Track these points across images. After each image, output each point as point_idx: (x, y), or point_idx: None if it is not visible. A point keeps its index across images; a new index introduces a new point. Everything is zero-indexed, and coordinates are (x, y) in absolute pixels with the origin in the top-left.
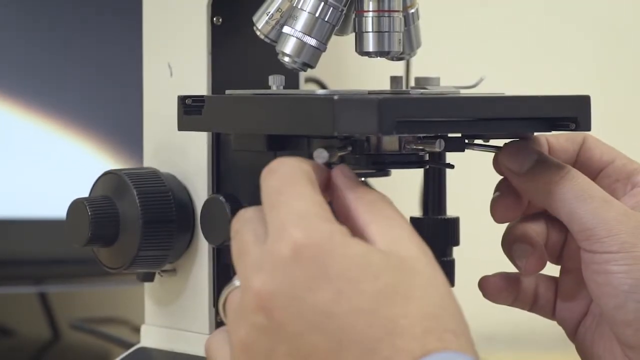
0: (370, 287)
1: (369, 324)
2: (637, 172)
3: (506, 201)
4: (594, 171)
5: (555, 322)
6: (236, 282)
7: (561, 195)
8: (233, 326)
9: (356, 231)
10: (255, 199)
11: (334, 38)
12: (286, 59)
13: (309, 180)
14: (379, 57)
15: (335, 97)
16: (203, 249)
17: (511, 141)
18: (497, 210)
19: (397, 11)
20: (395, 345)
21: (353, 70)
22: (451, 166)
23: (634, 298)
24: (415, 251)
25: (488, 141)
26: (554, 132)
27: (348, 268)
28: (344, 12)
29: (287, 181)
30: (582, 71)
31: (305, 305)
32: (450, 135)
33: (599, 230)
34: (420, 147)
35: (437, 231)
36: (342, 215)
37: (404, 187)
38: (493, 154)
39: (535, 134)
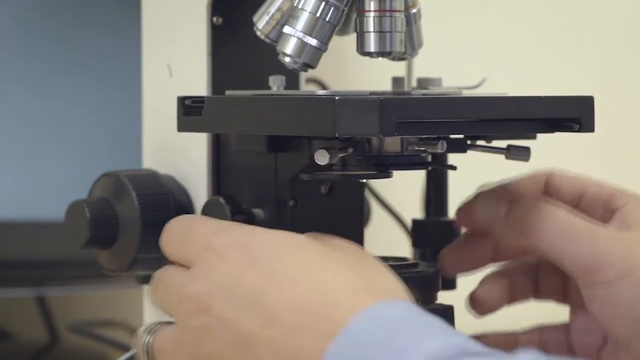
0: (298, 258)
1: (300, 290)
2: (613, 197)
3: (491, 291)
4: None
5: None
6: (151, 327)
7: (545, 234)
8: (175, 353)
9: None
10: (255, 201)
11: (335, 38)
12: (287, 59)
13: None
14: (380, 58)
15: (337, 98)
16: None
17: (478, 194)
18: (478, 302)
19: (399, 11)
20: (327, 301)
21: (354, 71)
22: (453, 167)
23: None
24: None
25: (490, 142)
26: (556, 133)
27: (273, 247)
28: (345, 12)
29: (189, 220)
30: (583, 72)
31: (238, 291)
32: (452, 136)
33: (593, 263)
34: (422, 148)
35: (439, 233)
36: None
37: (405, 188)
38: (495, 155)
39: (498, 185)
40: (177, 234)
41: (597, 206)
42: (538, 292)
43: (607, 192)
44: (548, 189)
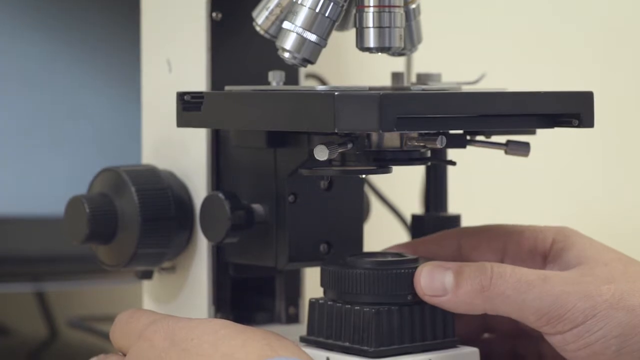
0: (212, 337)
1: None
2: (536, 241)
3: None
4: None
5: None
6: None
7: (500, 296)
8: None
9: None
10: (254, 196)
11: (334, 34)
12: (286, 54)
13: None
14: (379, 53)
15: (336, 93)
16: (202, 246)
17: (420, 267)
18: None
19: (398, 6)
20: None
21: (354, 66)
22: (453, 163)
23: (627, 351)
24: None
25: (490, 138)
26: (556, 128)
27: (191, 331)
28: (345, 7)
29: (130, 314)
30: (583, 67)
31: None
32: (451, 131)
33: (556, 309)
34: (422, 144)
35: (439, 228)
36: None
37: (405, 184)
38: (495, 150)
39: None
40: (119, 326)
41: (524, 254)
42: None
43: (529, 237)
44: (464, 249)
